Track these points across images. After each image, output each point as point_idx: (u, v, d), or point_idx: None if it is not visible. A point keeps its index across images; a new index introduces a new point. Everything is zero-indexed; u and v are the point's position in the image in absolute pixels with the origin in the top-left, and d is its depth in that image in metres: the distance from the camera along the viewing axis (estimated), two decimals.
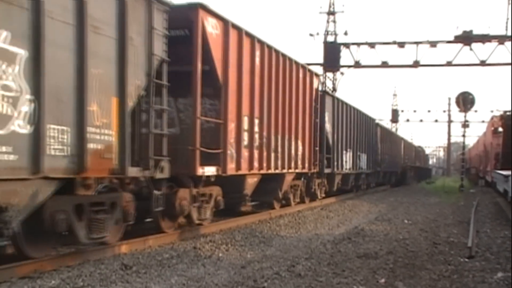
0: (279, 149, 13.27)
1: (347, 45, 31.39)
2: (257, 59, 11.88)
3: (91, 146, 7.03)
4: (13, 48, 5.95)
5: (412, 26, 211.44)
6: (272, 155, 12.81)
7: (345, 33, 37.46)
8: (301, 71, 14.77)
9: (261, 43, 12.13)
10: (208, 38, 9.88)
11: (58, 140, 6.52)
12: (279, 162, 13.31)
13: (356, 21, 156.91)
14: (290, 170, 14.20)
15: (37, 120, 6.20)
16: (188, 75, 9.59)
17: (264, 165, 12.38)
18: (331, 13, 38.97)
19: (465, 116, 31.69)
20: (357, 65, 31.00)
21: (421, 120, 62.31)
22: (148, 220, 9.95)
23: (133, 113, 7.95)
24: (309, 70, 15.64)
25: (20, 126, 6.01)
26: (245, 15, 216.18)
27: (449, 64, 29.28)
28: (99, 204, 7.53)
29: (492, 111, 49.57)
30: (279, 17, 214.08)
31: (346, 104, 21.21)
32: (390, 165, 33.84)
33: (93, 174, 7.27)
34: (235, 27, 10.86)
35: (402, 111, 64.39)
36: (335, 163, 19.27)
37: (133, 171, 7.91)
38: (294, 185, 15.61)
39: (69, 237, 7.29)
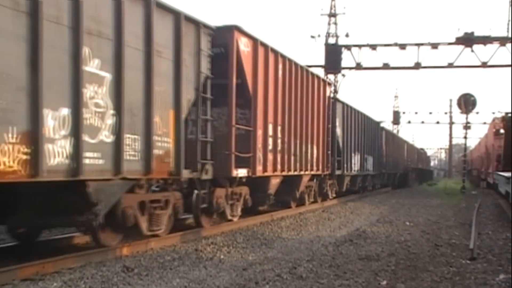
0: (298, 153, 14.61)
1: (348, 47, 31.40)
2: (280, 72, 13.26)
3: (155, 152, 8.42)
4: (102, 73, 7.32)
5: (413, 28, 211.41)
6: (292, 158, 14.16)
7: (347, 35, 37.60)
8: (315, 80, 16.11)
9: (283, 57, 13.45)
10: (241, 55, 11.20)
11: (131, 147, 7.93)
12: (298, 165, 14.66)
13: (358, 23, 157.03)
14: (306, 172, 15.54)
15: (117, 131, 7.59)
16: (222, 87, 10.67)
17: (285, 167, 13.72)
18: (332, 15, 39.06)
19: (466, 118, 31.67)
20: (359, 67, 31.01)
21: (422, 122, 62.23)
22: (185, 216, 10.61)
23: (185, 123, 9.28)
24: (323, 80, 17.15)
25: (106, 136, 7.41)
26: (246, 17, 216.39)
27: (450, 65, 29.27)
28: (157, 202, 8.90)
29: (493, 113, 49.53)
30: (280, 19, 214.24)
31: (355, 109, 22.43)
32: (394, 167, 35.12)
33: (156, 176, 8.69)
34: (263, 44, 12.18)
35: (404, 112, 64.44)
36: (345, 165, 20.52)
37: (185, 173, 9.29)
38: (309, 185, 16.78)
39: (132, 229, 8.56)
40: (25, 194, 7.06)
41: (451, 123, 66.87)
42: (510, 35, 27.87)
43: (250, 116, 11.85)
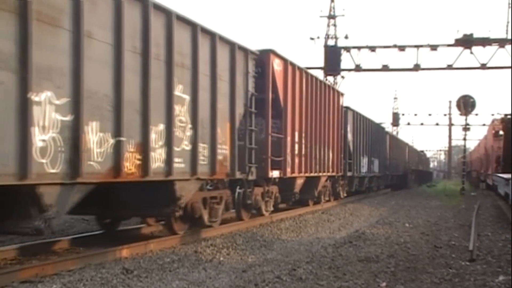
0: (317, 156, 16.64)
1: (347, 49, 31.44)
2: (304, 86, 15.25)
3: (218, 157, 10.26)
4: (184, 95, 9.22)
5: (412, 30, 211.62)
6: (313, 161, 16.17)
7: (346, 37, 37.62)
8: (331, 91, 18.28)
9: (306, 73, 15.49)
10: (275, 73, 13.19)
11: (202, 153, 9.78)
12: (317, 167, 16.67)
13: (357, 25, 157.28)
14: (324, 173, 17.60)
15: (194, 141, 9.47)
16: (259, 100, 12.30)
17: (308, 169, 15.70)
18: (331, 16, 39.07)
19: (466, 120, 31.68)
20: (358, 68, 31.05)
21: (422, 124, 62.12)
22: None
23: (237, 133, 11.15)
24: (337, 91, 19.31)
25: (186, 145, 9.29)
26: (246, 18, 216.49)
27: (449, 67, 29.31)
28: (214, 198, 10.83)
29: (493, 114, 49.47)
30: (280, 20, 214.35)
31: (363, 116, 24.51)
32: (397, 169, 37.05)
33: (218, 176, 10.57)
34: (291, 63, 14.21)
35: (403, 114, 64.53)
36: (355, 168, 22.39)
37: (238, 174, 11.14)
38: (324, 185, 18.70)
39: (195, 220, 10.35)
40: (119, 191, 8.58)
41: (451, 124, 66.91)
42: (509, 37, 27.92)
43: (281, 125, 13.79)
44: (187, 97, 9.28)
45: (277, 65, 13.29)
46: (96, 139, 7.29)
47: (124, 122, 7.69)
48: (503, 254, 8.92)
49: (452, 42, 28.93)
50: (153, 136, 8.34)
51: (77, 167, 6.87)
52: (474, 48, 28.50)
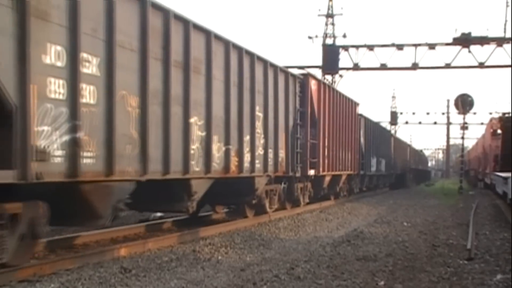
0: (340, 157, 19.76)
1: (346, 48, 31.39)
2: (331, 100, 18.44)
3: (279, 159, 13.62)
4: (260, 113, 12.46)
5: (410, 29, 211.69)
6: (337, 161, 19.27)
7: (344, 36, 37.56)
8: (350, 103, 21.64)
9: (333, 89, 19.37)
10: (311, 91, 16.25)
11: (269, 156, 12.91)
12: (340, 166, 19.79)
13: (355, 24, 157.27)
14: (344, 172, 20.77)
15: (265, 147, 12.69)
16: (301, 113, 15.42)
17: (333, 168, 18.79)
18: (329, 15, 39.03)
19: (464, 118, 31.74)
20: (356, 67, 31.02)
21: (420, 122, 62.13)
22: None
23: (290, 140, 14.42)
24: (354, 102, 22.51)
25: (260, 150, 12.46)
26: (244, 17, 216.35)
27: (447, 66, 29.29)
28: (272, 190, 13.88)
29: (491, 113, 49.42)
30: (278, 19, 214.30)
31: (372, 121, 28.15)
32: (400, 168, 39.96)
33: (279, 174, 13.76)
34: (323, 83, 18.04)
35: (401, 113, 64.25)
36: (366, 167, 25.51)
37: (290, 172, 14.44)
38: (344, 183, 21.72)
39: (260, 207, 13.44)
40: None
41: (449, 123, 66.83)
42: (507, 36, 27.92)
43: (315, 132, 16.86)
44: (261, 115, 12.51)
45: (313, 84, 16.43)
46: (216, 147, 10.43)
47: (230, 135, 10.92)
48: (501, 253, 8.93)
49: (450, 41, 28.90)
50: (244, 144, 11.52)
51: (208, 167, 10.10)
52: (472, 47, 28.47)
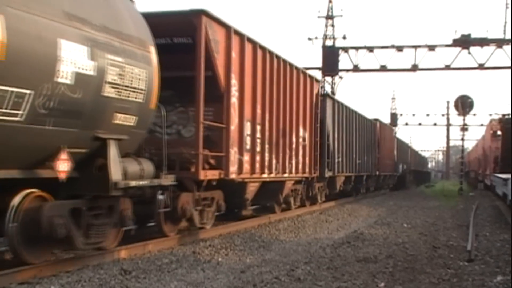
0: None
1: (345, 49, 31.46)
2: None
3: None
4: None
5: (410, 30, 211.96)
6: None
7: (344, 37, 37.44)
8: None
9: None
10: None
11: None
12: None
13: (355, 26, 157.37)
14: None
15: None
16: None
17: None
18: (329, 17, 38.95)
19: (464, 120, 31.75)
20: (356, 69, 31.08)
21: (419, 124, 62.08)
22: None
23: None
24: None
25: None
26: (245, 18, 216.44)
27: (447, 67, 29.34)
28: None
29: (491, 115, 49.43)
30: (278, 21, 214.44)
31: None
32: (402, 169, 41.66)
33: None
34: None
35: (401, 114, 64.15)
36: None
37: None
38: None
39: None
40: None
41: (449, 125, 66.80)
42: (507, 37, 27.95)
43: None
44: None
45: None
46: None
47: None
48: (501, 254, 8.93)
49: (450, 42, 28.97)
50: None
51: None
52: (472, 49, 28.55)
